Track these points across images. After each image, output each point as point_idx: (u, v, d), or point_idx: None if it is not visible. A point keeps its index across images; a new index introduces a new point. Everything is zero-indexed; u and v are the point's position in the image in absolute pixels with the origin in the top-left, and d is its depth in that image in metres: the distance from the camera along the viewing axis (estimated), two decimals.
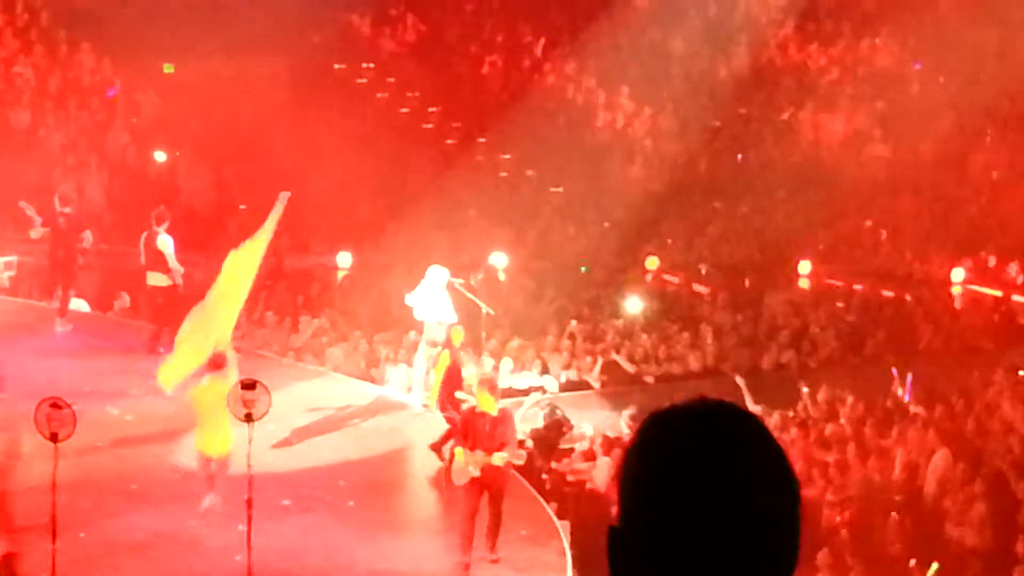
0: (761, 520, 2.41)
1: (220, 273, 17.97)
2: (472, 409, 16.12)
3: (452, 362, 18.37)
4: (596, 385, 23.24)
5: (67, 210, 22.03)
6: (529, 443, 19.96)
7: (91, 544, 14.74)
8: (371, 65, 33.16)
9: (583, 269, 27.69)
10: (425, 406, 20.32)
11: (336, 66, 32.63)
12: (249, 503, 14.07)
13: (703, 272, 28.16)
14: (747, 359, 24.32)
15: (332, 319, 24.49)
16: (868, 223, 29.56)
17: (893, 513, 17.99)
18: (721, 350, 24.43)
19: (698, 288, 27.48)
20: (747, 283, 27.74)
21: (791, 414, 21.16)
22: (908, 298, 26.82)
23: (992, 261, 28.05)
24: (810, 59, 33.39)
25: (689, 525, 2.40)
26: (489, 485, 15.38)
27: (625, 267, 28.09)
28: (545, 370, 23.10)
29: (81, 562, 14.42)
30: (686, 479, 2.41)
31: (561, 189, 30.41)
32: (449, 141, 31.67)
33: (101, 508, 15.84)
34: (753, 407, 18.64)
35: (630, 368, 23.71)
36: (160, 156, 29.14)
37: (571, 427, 21.34)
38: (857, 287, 27.38)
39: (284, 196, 18.20)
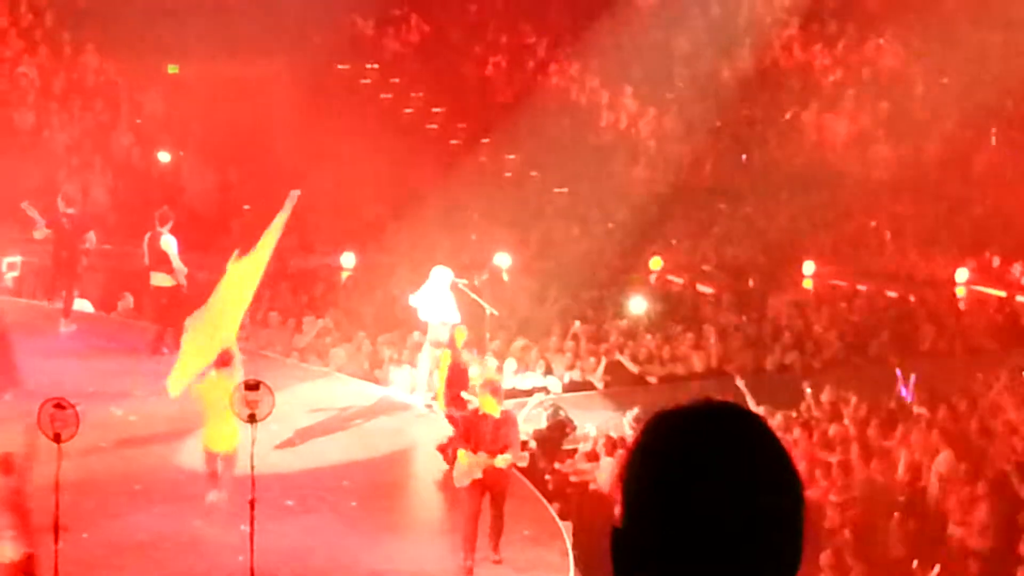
0: (764, 521, 2.42)
1: (225, 273, 17.99)
2: (475, 411, 16.13)
3: (454, 361, 18.37)
4: (599, 386, 23.23)
5: (70, 211, 22.05)
6: (532, 444, 19.97)
7: (94, 544, 14.74)
8: (375, 66, 33.16)
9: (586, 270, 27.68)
10: (428, 407, 20.34)
11: (340, 67, 32.63)
12: (252, 503, 14.07)
13: (707, 272, 28.14)
14: (751, 360, 24.31)
15: (336, 319, 24.48)
16: (872, 224, 29.55)
17: (896, 514, 17.99)
18: (725, 351, 24.42)
19: (702, 288, 27.46)
20: (751, 283, 27.72)
21: (794, 414, 21.16)
22: (912, 299, 26.80)
23: (996, 262, 28.04)
24: (814, 60, 33.37)
25: (692, 526, 2.41)
26: (491, 487, 15.39)
27: (629, 268, 28.08)
28: (549, 371, 23.09)
29: (84, 562, 14.43)
30: (690, 480, 2.42)
31: (565, 190, 30.41)
32: (453, 142, 31.67)
33: (104, 508, 15.85)
34: (755, 409, 18.63)
35: (634, 369, 23.70)
36: (164, 156, 29.15)
37: (574, 428, 21.34)
38: (861, 288, 27.36)
39: (294, 195, 18.20)
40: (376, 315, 24.60)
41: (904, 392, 22.16)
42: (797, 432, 20.00)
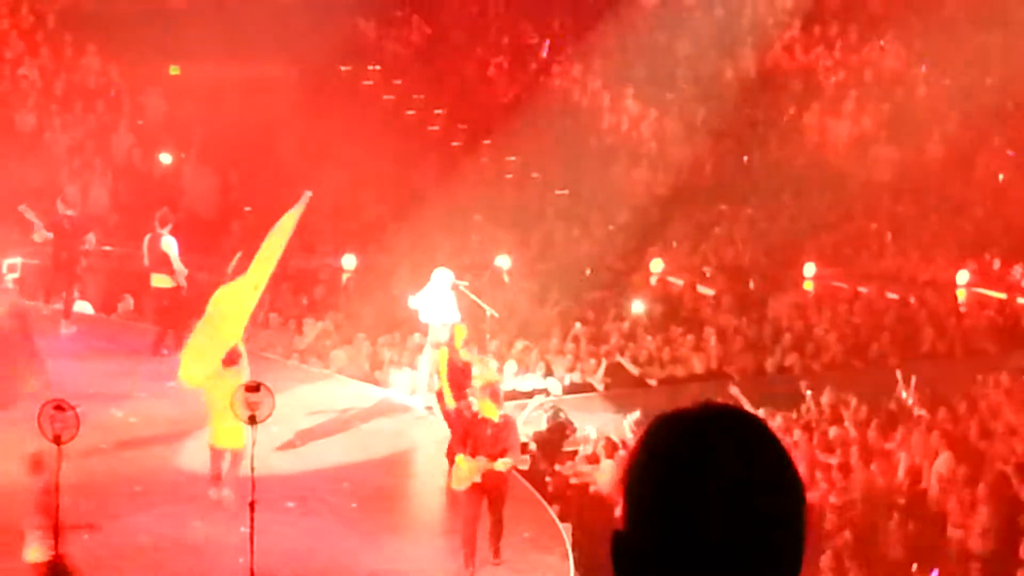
0: (765, 523, 2.42)
1: (229, 278, 17.98)
2: (474, 415, 16.12)
3: (451, 360, 18.34)
4: (600, 387, 23.23)
5: (70, 212, 22.07)
6: (532, 446, 19.97)
7: (94, 546, 14.73)
8: (376, 67, 33.16)
9: (587, 272, 27.67)
10: (428, 408, 20.33)
11: (341, 68, 32.63)
12: (252, 505, 14.08)
13: (707, 274, 28.13)
14: (751, 361, 24.31)
15: (336, 321, 24.50)
16: (873, 225, 29.53)
17: (896, 516, 17.99)
18: (725, 352, 24.41)
19: (702, 290, 27.45)
20: (752, 285, 27.70)
21: (795, 416, 21.16)
22: (912, 301, 26.78)
23: (997, 264, 28.02)
24: (816, 61, 33.36)
25: (694, 528, 2.41)
26: (489, 491, 15.38)
27: (630, 269, 28.07)
28: (549, 372, 23.10)
29: (84, 564, 14.41)
30: (691, 483, 2.42)
31: (566, 191, 30.40)
32: (454, 143, 31.66)
33: (104, 510, 15.82)
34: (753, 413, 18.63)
35: (634, 370, 23.69)
36: (165, 158, 29.16)
37: (574, 430, 21.34)
38: (862, 290, 27.35)
39: (306, 196, 18.19)
40: (376, 317, 24.60)
41: (905, 394, 22.13)
42: (797, 434, 20.01)
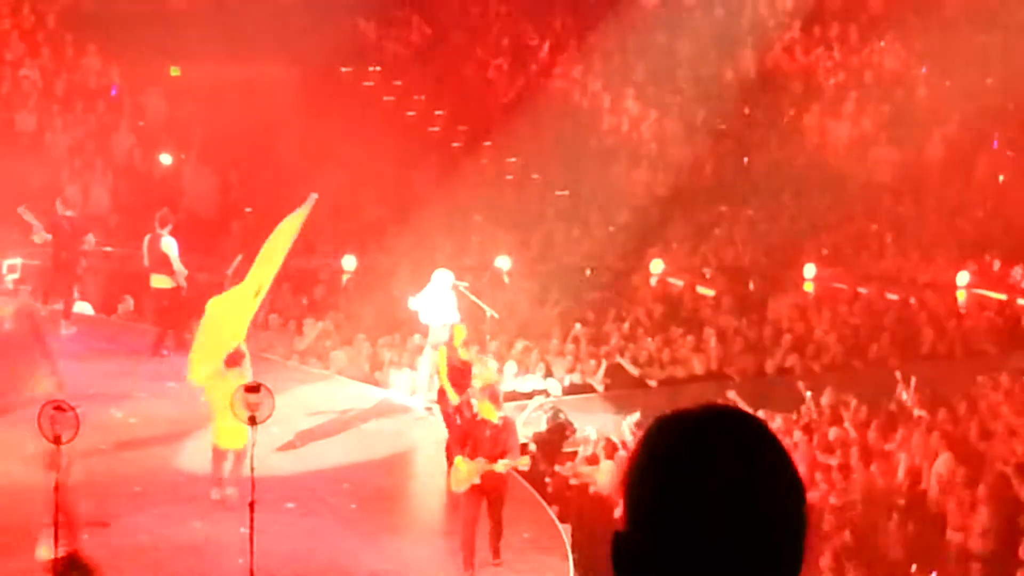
0: (766, 524, 2.43)
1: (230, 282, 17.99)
2: (473, 417, 16.13)
3: (450, 359, 18.35)
4: (600, 388, 23.23)
5: (69, 213, 22.09)
6: (532, 446, 19.97)
7: (94, 547, 14.73)
8: (377, 68, 33.16)
9: (587, 272, 27.67)
10: (428, 409, 20.34)
11: (342, 69, 32.63)
12: (252, 506, 14.08)
13: (707, 275, 28.12)
14: (751, 363, 24.31)
15: (336, 322, 24.50)
16: (873, 227, 29.53)
17: (895, 516, 17.99)
18: (725, 353, 24.41)
19: (702, 291, 27.44)
20: (752, 286, 27.70)
21: (794, 417, 21.16)
22: (912, 302, 26.78)
23: (997, 265, 28.01)
24: (816, 62, 33.36)
25: (694, 529, 2.42)
26: (488, 492, 15.37)
27: (630, 270, 28.07)
28: (549, 373, 23.10)
29: None
30: (691, 484, 2.43)
31: (566, 192, 30.40)
32: (455, 144, 31.66)
33: (104, 511, 15.84)
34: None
35: (634, 371, 23.69)
36: (166, 159, 29.16)
37: (574, 430, 21.34)
38: (862, 291, 27.34)
39: (312, 198, 18.19)
40: (376, 318, 24.61)
41: (905, 395, 22.12)
42: (797, 435, 20.00)
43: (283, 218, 18.40)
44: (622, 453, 19.27)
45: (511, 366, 22.67)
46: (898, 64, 33.06)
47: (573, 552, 16.06)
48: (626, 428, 20.71)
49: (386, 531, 16.39)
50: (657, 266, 27.99)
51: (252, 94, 29.69)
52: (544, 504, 17.59)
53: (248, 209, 27.98)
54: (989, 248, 28.37)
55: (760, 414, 18.06)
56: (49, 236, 21.64)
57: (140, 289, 23.03)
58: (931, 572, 17.32)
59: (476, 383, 17.71)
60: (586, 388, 23.15)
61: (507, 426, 15.72)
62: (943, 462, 18.87)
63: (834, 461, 19.27)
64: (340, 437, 19.19)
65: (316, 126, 29.79)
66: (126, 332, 22.90)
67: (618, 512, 2.34)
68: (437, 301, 20.24)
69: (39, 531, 13.96)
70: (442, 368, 18.43)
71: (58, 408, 13.85)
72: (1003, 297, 27.07)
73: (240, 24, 30.42)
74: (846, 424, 20.60)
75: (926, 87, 32.46)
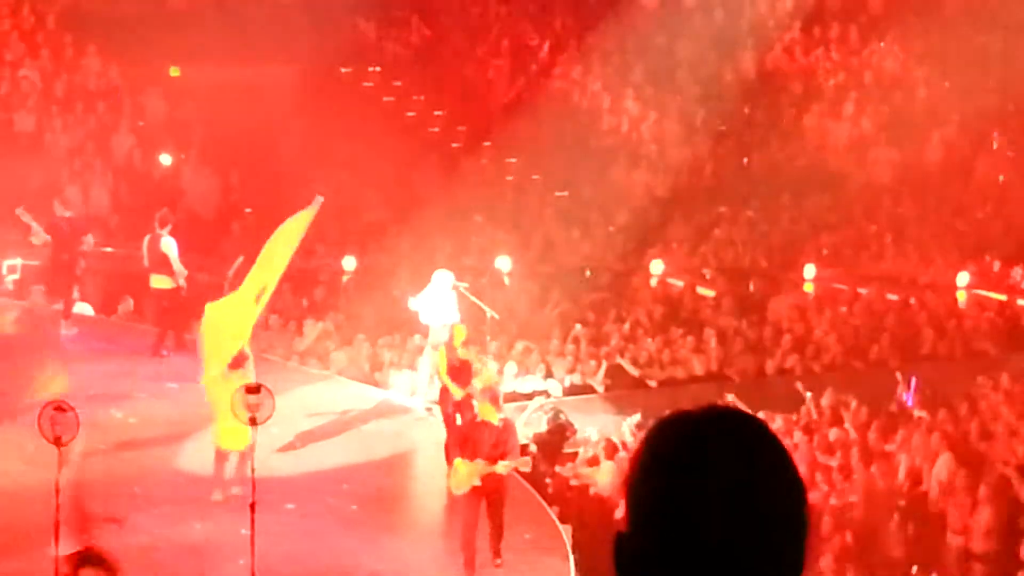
0: (766, 525, 2.43)
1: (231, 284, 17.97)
2: (473, 418, 16.11)
3: (449, 359, 18.34)
4: (600, 389, 23.23)
5: (68, 214, 22.09)
6: (533, 447, 19.97)
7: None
8: (377, 69, 33.16)
9: (587, 273, 27.67)
10: (429, 410, 20.34)
11: (341, 70, 32.63)
12: (253, 507, 14.08)
13: (708, 276, 28.11)
14: (751, 363, 24.31)
15: (336, 323, 24.50)
16: (873, 227, 29.51)
17: (896, 517, 17.99)
18: (725, 354, 24.41)
19: (702, 292, 27.43)
20: (752, 287, 27.70)
21: (795, 418, 21.15)
22: (912, 302, 26.77)
23: (997, 265, 28.00)
24: (816, 63, 33.36)
25: (694, 530, 2.41)
26: (488, 494, 15.35)
27: (630, 271, 28.06)
28: (549, 374, 23.09)
29: None
30: (692, 485, 2.43)
31: (566, 193, 30.38)
32: (454, 145, 31.66)
33: (104, 511, 15.82)
34: None
35: (634, 372, 23.69)
36: (166, 159, 29.16)
37: (575, 431, 21.34)
38: (862, 291, 27.33)
39: (318, 201, 18.15)
40: (377, 318, 24.60)
41: (905, 396, 22.14)
42: (798, 436, 20.00)
43: (283, 218, 18.36)
44: (622, 454, 19.27)
45: (511, 367, 22.66)
46: (898, 65, 33.05)
47: (574, 553, 16.06)
48: (626, 429, 20.71)
49: (386, 532, 16.39)
50: (657, 267, 27.98)
51: (252, 94, 29.67)
52: (545, 505, 17.59)
53: (248, 209, 27.98)
54: (989, 248, 28.36)
55: (760, 415, 18.06)
56: (48, 237, 21.63)
57: (140, 290, 23.02)
58: (932, 573, 17.31)
59: (477, 384, 17.70)
60: (586, 389, 23.15)
61: (507, 428, 15.70)
62: (944, 463, 18.87)
63: (834, 462, 19.27)
64: (340, 438, 19.19)
65: (316, 127, 29.77)
66: (126, 333, 22.89)
67: (619, 513, 2.34)
68: (437, 301, 20.24)
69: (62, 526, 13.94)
70: (442, 368, 18.43)
71: (58, 409, 13.85)
72: (1003, 298, 27.05)
73: (240, 25, 30.43)
74: (846, 425, 20.60)
75: (926, 88, 32.44)
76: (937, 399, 21.67)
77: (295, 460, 17.95)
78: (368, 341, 23.52)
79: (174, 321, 21.41)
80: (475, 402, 16.85)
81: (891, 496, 18.64)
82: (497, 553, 15.53)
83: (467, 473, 15.35)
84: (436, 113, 32.50)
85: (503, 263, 26.79)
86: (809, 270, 28.07)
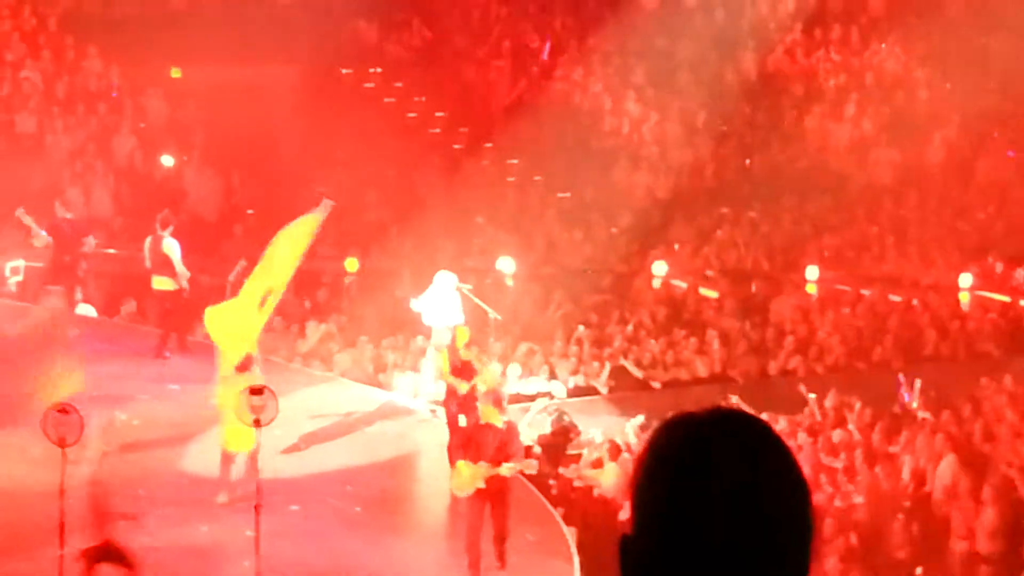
0: (771, 526, 2.42)
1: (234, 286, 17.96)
2: (476, 421, 16.09)
3: (451, 361, 18.32)
4: (603, 391, 23.22)
5: (69, 215, 22.08)
6: (536, 449, 19.96)
7: None
8: (378, 70, 33.15)
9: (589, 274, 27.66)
10: (432, 411, 20.33)
11: (343, 71, 32.62)
12: (257, 508, 14.08)
13: (710, 277, 28.11)
14: (754, 365, 24.32)
15: (339, 324, 24.49)
16: (875, 229, 29.51)
17: (900, 518, 17.98)
18: (728, 356, 24.42)
19: (705, 293, 27.43)
20: (754, 288, 27.69)
21: (798, 420, 21.15)
22: (915, 303, 26.77)
23: (999, 267, 27.99)
24: (817, 64, 33.36)
25: (698, 532, 2.40)
26: (492, 496, 15.31)
27: (632, 273, 28.06)
28: (552, 376, 23.09)
29: None
30: (696, 486, 2.42)
31: (568, 194, 30.38)
32: (456, 146, 31.66)
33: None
34: None
35: (638, 373, 23.69)
36: (167, 161, 29.15)
37: (578, 433, 21.34)
38: (864, 292, 27.33)
39: (325, 204, 18.12)
40: (379, 320, 24.60)
41: (907, 397, 22.13)
42: (801, 437, 20.00)
43: (285, 220, 18.34)
44: (626, 456, 19.27)
45: (515, 368, 22.66)
46: (899, 66, 33.05)
47: (578, 554, 16.04)
48: (630, 431, 20.71)
49: (390, 533, 16.38)
50: (660, 268, 27.97)
51: (254, 96, 29.67)
52: (549, 506, 17.58)
53: (250, 211, 27.98)
54: (991, 250, 28.35)
55: (764, 416, 18.05)
56: (49, 239, 21.62)
57: (142, 291, 23.02)
58: (936, 574, 17.30)
59: (480, 387, 17.68)
60: (590, 390, 23.14)
61: (511, 431, 15.68)
62: (947, 465, 18.86)
63: (838, 464, 19.28)
64: (344, 440, 19.18)
65: (317, 128, 29.76)
66: (128, 334, 22.88)
67: (624, 515, 2.33)
68: (440, 303, 20.23)
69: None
70: (444, 369, 18.42)
71: (62, 411, 13.84)
72: (1006, 299, 27.05)
73: (241, 26, 30.42)
74: (850, 426, 20.60)
75: (927, 89, 32.44)
76: (940, 401, 21.67)
77: (299, 462, 17.94)
78: (371, 343, 23.52)
79: (176, 323, 21.40)
80: (479, 404, 16.83)
81: (895, 498, 18.64)
82: (501, 555, 15.50)
83: (470, 475, 15.32)
84: (437, 114, 32.50)
85: (506, 265, 26.78)
86: (811, 271, 28.06)
